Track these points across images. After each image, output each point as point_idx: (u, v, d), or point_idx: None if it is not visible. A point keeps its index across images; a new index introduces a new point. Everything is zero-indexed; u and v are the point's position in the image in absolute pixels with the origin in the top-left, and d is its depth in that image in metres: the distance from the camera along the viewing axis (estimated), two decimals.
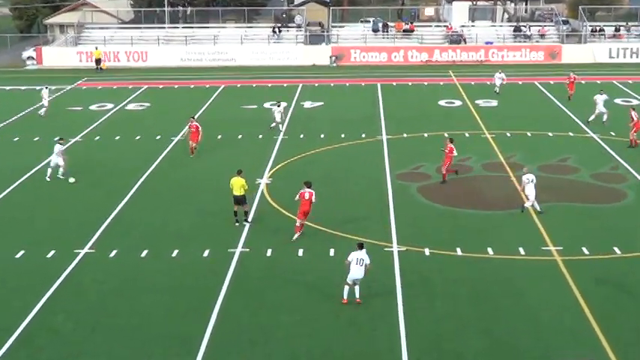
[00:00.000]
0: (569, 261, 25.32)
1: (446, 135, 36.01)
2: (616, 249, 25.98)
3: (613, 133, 41.28)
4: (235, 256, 26.04)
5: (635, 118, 38.77)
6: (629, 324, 21.38)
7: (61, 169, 34.57)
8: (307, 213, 27.36)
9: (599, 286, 23.66)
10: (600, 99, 43.83)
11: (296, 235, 27.44)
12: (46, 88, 49.26)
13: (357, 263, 22.13)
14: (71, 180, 34.15)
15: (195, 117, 39.96)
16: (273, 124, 42.71)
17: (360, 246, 22.72)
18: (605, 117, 43.09)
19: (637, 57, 67.27)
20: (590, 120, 43.34)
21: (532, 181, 29.51)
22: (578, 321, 21.48)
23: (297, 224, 27.57)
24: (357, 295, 22.37)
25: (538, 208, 29.55)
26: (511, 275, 24.49)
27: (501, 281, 24.08)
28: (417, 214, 30.17)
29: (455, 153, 33.34)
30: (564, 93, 51.94)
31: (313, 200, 27.24)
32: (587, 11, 72.45)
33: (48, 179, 34.37)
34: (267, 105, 49.23)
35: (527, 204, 29.68)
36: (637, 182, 33.55)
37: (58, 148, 34.77)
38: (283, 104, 44.66)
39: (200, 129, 37.82)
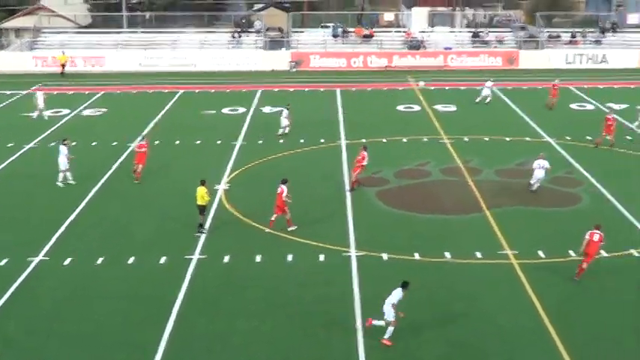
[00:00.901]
0: (525, 264, 25.57)
1: (363, 140, 36.16)
2: (571, 252, 26.24)
3: (568, 138, 41.75)
4: (192, 263, 25.84)
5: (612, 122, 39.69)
6: (583, 326, 21.72)
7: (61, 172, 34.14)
8: (278, 207, 28.27)
9: (554, 288, 23.95)
10: None
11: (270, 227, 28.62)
12: (40, 91, 49.79)
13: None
14: (71, 181, 34.07)
15: (144, 133, 38.84)
16: (281, 130, 42.42)
17: (403, 285, 21.07)
18: None
19: (593, 63, 68.14)
20: None
21: (542, 167, 32.48)
22: (535, 323, 21.74)
23: (272, 218, 28.67)
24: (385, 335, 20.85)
25: (534, 188, 32.66)
26: (468, 279, 24.65)
27: (459, 285, 24.21)
28: (376, 219, 30.21)
29: (366, 162, 33.37)
30: (522, 98, 52.48)
31: (283, 197, 28.05)
32: (544, 18, 73.30)
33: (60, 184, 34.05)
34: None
35: (535, 185, 32.75)
36: (591, 186, 33.99)
37: (63, 149, 34.17)
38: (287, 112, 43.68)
39: (147, 150, 35.09)
